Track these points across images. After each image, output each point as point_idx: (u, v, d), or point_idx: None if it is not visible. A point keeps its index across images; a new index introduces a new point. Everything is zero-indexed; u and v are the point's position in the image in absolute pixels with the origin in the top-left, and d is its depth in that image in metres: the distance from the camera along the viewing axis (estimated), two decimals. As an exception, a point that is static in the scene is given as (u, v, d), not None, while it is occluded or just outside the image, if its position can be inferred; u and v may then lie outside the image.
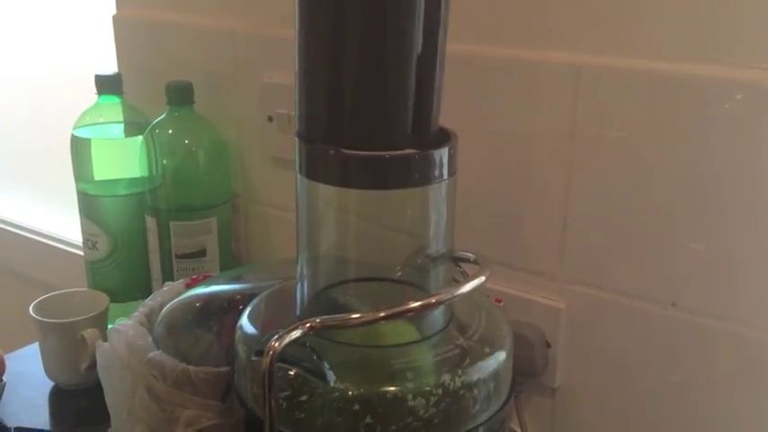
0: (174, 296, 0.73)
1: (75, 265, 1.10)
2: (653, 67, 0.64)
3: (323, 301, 0.56)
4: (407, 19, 0.49)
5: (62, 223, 1.32)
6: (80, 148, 0.93)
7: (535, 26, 0.70)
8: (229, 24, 0.92)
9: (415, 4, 0.49)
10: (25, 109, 1.38)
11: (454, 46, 0.53)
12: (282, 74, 0.88)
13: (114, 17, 1.04)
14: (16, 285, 1.40)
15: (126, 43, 1.04)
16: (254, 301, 0.61)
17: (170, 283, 0.78)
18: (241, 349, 0.56)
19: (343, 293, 0.56)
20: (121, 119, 0.95)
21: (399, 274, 0.56)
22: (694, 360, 0.67)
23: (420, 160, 0.51)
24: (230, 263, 0.95)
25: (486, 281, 0.52)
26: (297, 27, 0.52)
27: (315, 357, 0.50)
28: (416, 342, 0.54)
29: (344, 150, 0.50)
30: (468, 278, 0.52)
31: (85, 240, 0.96)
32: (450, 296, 0.51)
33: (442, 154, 0.51)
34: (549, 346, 0.73)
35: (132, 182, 0.94)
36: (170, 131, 0.91)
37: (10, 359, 0.89)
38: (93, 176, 0.94)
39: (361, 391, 0.49)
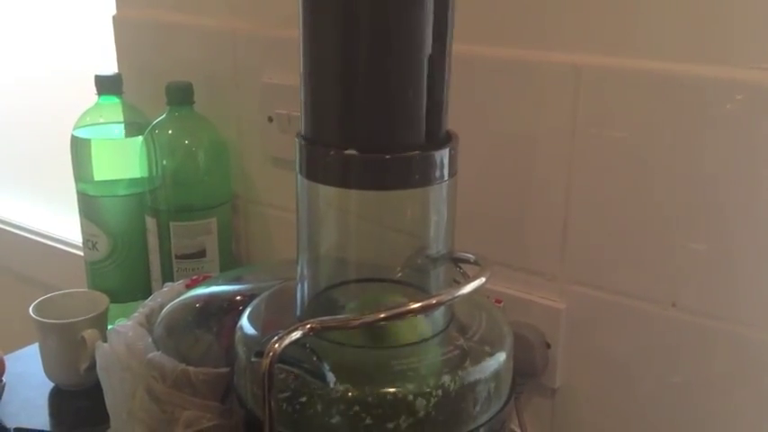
0: (174, 297, 0.73)
1: (75, 265, 1.10)
2: (653, 67, 0.64)
3: (323, 301, 0.56)
4: (420, 20, 0.49)
5: (62, 224, 1.32)
6: (80, 149, 0.93)
7: (535, 26, 0.70)
8: (230, 25, 0.92)
9: (425, 4, 0.49)
10: (25, 109, 1.38)
11: (454, 46, 0.53)
12: (282, 74, 0.87)
13: (114, 17, 1.04)
14: (16, 286, 1.40)
15: (126, 43, 1.04)
16: (254, 302, 0.61)
17: (170, 283, 0.78)
18: (241, 350, 0.55)
19: (344, 294, 0.56)
20: (121, 119, 0.95)
21: (400, 274, 0.56)
22: (694, 360, 0.67)
23: (421, 161, 0.50)
24: (230, 263, 0.95)
25: (486, 282, 0.52)
26: (302, 27, 0.51)
27: (315, 358, 0.50)
28: (417, 343, 0.54)
29: (346, 152, 0.50)
30: (468, 279, 0.52)
31: (85, 241, 0.96)
32: (450, 297, 0.51)
33: (443, 155, 0.51)
34: (549, 346, 0.73)
35: (132, 182, 0.94)
36: (170, 132, 0.91)
37: (10, 360, 0.89)
38: (92, 177, 0.93)
39: (362, 392, 0.49)
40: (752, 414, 0.65)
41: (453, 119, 0.55)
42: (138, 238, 0.95)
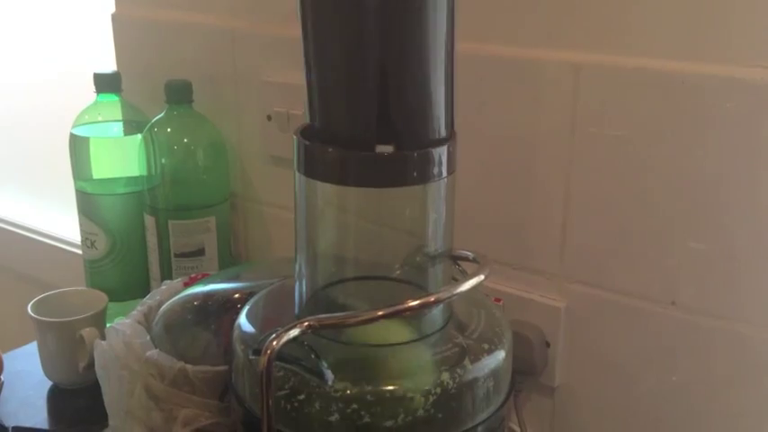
0: (173, 295, 0.73)
1: (74, 263, 1.10)
2: (653, 65, 0.64)
3: (321, 299, 0.56)
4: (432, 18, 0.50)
5: (60, 222, 1.32)
6: (79, 147, 0.93)
7: (534, 25, 0.70)
8: (229, 23, 0.92)
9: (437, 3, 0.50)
10: (24, 107, 1.38)
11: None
12: (282, 73, 0.87)
13: (113, 15, 1.04)
14: (14, 284, 1.39)
15: (125, 41, 1.04)
16: (253, 300, 0.61)
17: (168, 281, 0.78)
18: (239, 348, 0.55)
19: (342, 292, 0.56)
20: (120, 117, 0.95)
21: (398, 272, 0.56)
22: (694, 359, 0.67)
23: (419, 158, 0.50)
24: (229, 262, 0.95)
25: (485, 279, 0.52)
26: (310, 26, 0.51)
27: (313, 356, 0.50)
28: (415, 341, 0.54)
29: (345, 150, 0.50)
30: (467, 276, 0.52)
31: (84, 239, 0.96)
32: (449, 294, 0.51)
33: (441, 152, 0.51)
34: (548, 345, 0.73)
35: (131, 180, 0.94)
36: (169, 130, 0.90)
37: (8, 358, 0.89)
38: (91, 175, 0.93)
39: (360, 389, 0.49)
40: (751, 412, 0.65)
41: (452, 116, 0.55)
42: (136, 237, 0.94)
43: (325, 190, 0.52)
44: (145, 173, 0.91)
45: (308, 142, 0.51)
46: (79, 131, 0.93)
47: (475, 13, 0.72)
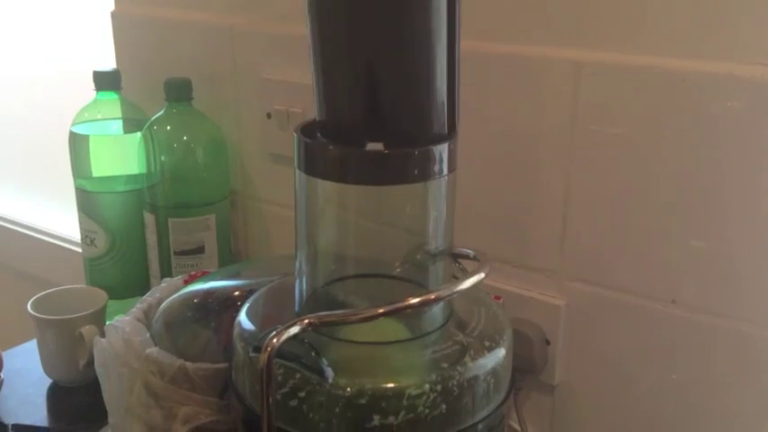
0: (173, 292, 0.72)
1: (74, 261, 1.10)
2: (654, 63, 0.64)
3: (322, 297, 0.56)
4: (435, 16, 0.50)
5: (60, 220, 1.32)
6: (78, 145, 0.93)
7: (535, 22, 0.69)
8: (228, 20, 0.92)
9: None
10: (23, 105, 1.38)
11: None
12: (281, 70, 0.87)
13: (113, 13, 1.04)
14: (14, 282, 1.39)
15: (124, 39, 1.04)
16: (253, 297, 0.61)
17: (168, 279, 0.78)
18: (239, 345, 0.55)
19: (342, 290, 0.56)
20: (120, 115, 0.95)
21: (399, 270, 0.56)
22: (694, 357, 0.67)
23: (419, 156, 0.50)
24: (229, 259, 0.95)
25: (485, 277, 0.52)
26: (317, 26, 0.51)
27: (313, 354, 0.50)
28: (416, 338, 0.54)
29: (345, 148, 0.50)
30: (467, 274, 0.52)
31: (83, 237, 0.96)
32: (449, 292, 0.51)
33: (442, 150, 0.51)
34: (548, 343, 0.73)
35: (131, 178, 0.94)
36: (168, 128, 0.90)
37: (7, 356, 0.89)
38: (91, 173, 0.93)
39: (360, 387, 0.49)
40: (751, 410, 0.65)
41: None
42: (136, 235, 0.94)
43: (326, 187, 0.52)
44: (144, 171, 0.91)
45: (308, 140, 0.51)
46: (79, 129, 0.93)
47: (476, 11, 0.72)
